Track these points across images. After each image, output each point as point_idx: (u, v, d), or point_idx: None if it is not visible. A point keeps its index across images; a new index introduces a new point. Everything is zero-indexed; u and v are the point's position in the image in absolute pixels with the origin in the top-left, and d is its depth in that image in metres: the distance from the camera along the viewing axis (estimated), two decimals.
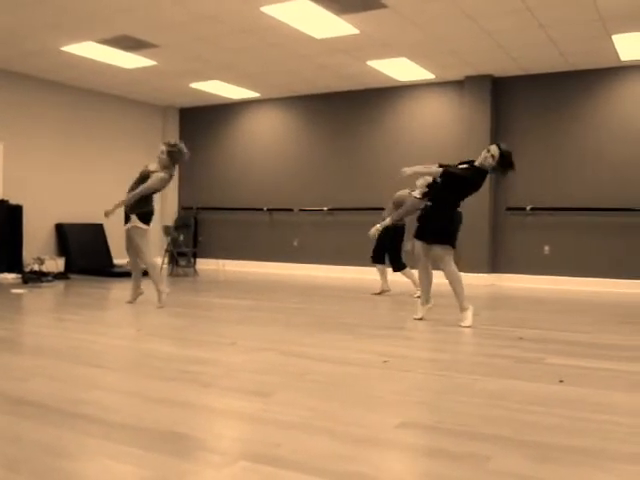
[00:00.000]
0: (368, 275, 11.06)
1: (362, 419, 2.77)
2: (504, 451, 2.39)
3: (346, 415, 2.83)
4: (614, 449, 2.44)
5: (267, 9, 7.50)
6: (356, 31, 8.29)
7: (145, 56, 9.49)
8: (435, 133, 10.89)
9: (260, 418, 2.78)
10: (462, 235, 10.34)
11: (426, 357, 4.20)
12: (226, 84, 11.30)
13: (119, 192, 12.49)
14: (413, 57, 9.50)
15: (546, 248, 9.90)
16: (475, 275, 10.10)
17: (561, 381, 3.53)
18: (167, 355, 4.13)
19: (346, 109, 11.65)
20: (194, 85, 11.41)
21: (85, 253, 11.10)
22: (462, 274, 10.00)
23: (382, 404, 3.02)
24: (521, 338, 4.93)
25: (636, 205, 9.36)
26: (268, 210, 12.19)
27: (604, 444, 2.50)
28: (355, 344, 4.61)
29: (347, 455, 2.32)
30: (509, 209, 10.18)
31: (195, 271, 11.54)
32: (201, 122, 13.22)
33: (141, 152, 12.83)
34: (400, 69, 10.07)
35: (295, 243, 11.94)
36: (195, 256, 12.42)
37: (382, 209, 11.08)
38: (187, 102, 12.96)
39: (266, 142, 12.45)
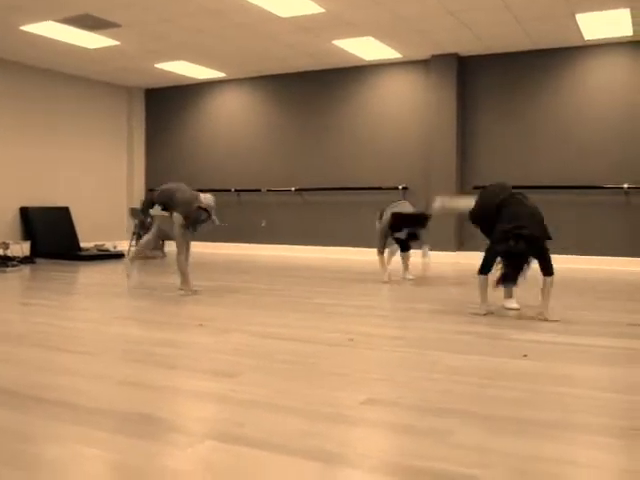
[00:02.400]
0: (336, 255, 11.10)
1: (327, 397, 2.81)
2: (466, 425, 2.45)
3: (311, 393, 2.86)
4: (574, 421, 2.51)
5: None
6: (322, 10, 8.25)
7: (108, 36, 9.34)
8: (402, 112, 10.92)
9: (226, 398, 2.80)
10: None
11: (392, 335, 4.25)
12: (192, 64, 11.19)
13: (85, 175, 12.40)
14: (379, 36, 9.49)
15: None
16: (442, 253, 10.20)
17: (525, 356, 3.61)
18: (134, 338, 4.12)
19: (313, 89, 11.63)
20: (159, 65, 11.27)
21: (51, 237, 10.97)
22: (429, 252, 10.09)
23: (347, 382, 3.06)
24: (486, 314, 5.01)
25: (600, 182, 9.51)
26: (236, 191, 12.15)
27: (565, 416, 2.57)
28: (322, 323, 4.64)
29: (312, 432, 2.36)
30: (476, 188, 10.27)
31: (163, 253, 11.48)
32: (167, 103, 13.08)
33: (107, 134, 12.69)
34: (366, 48, 10.06)
35: (263, 224, 11.93)
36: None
37: (350, 189, 11.16)
38: (153, 83, 12.81)
39: (233, 122, 12.38)
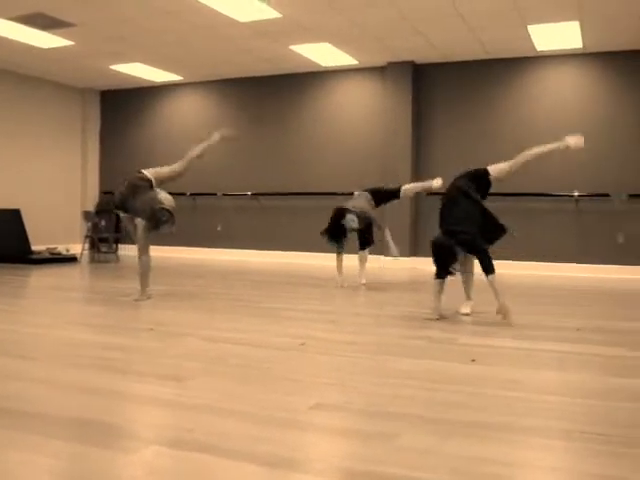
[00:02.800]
0: (292, 260, 11.11)
1: (277, 401, 2.81)
2: (412, 428, 2.48)
3: (261, 398, 2.87)
4: (521, 424, 2.56)
5: None
6: (279, 15, 8.27)
7: (62, 35, 9.20)
8: (358, 118, 11.00)
9: (175, 403, 2.78)
10: (385, 219, 10.55)
11: (343, 340, 4.27)
12: (148, 67, 11.10)
13: (37, 177, 12.17)
14: (336, 42, 9.55)
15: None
16: (397, 258, 10.28)
17: (473, 360, 3.66)
18: (84, 342, 4.07)
19: (270, 93, 11.63)
20: (115, 67, 11.15)
21: (1, 239, 10.75)
22: (384, 258, 10.18)
23: (297, 386, 3.07)
24: (438, 319, 5.07)
25: (550, 190, 9.70)
26: (191, 195, 12.07)
27: (511, 419, 2.61)
28: (275, 328, 4.65)
29: (260, 437, 2.36)
30: (430, 194, 10.38)
31: (117, 257, 11.35)
32: (123, 105, 12.95)
33: (60, 135, 12.49)
34: (323, 54, 10.11)
35: (219, 228, 11.89)
36: (117, 242, 12.22)
37: (306, 194, 11.18)
38: (108, 84, 12.66)
39: (190, 126, 12.31)
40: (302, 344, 4.00)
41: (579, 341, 4.32)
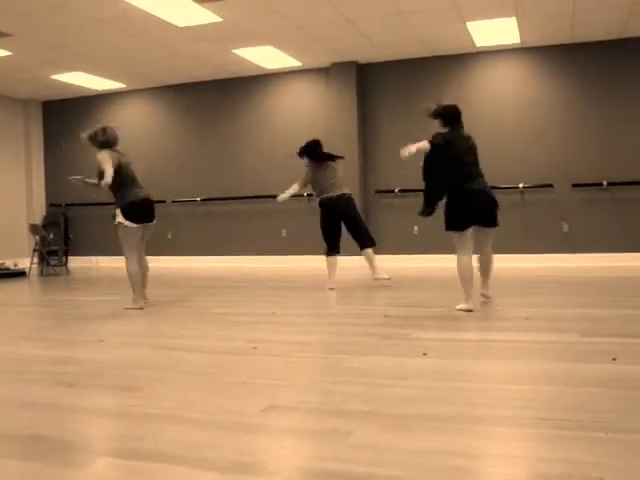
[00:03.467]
0: (243, 264, 11.08)
1: (228, 406, 2.80)
2: (364, 425, 2.49)
3: (213, 403, 2.85)
4: (472, 414, 2.59)
5: None
6: (219, 19, 8.25)
7: None
8: (304, 119, 11.02)
9: (126, 413, 2.75)
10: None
11: (295, 340, 4.28)
12: (90, 75, 10.95)
13: None
14: (278, 45, 9.56)
15: (415, 228, 10.28)
16: (348, 258, 10.33)
17: (425, 354, 3.70)
18: (31, 357, 3.99)
19: (215, 98, 11.58)
20: (55, 77, 10.97)
21: None
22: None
23: (249, 390, 3.07)
24: (387, 316, 5.10)
25: (496, 182, 9.86)
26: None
27: (464, 410, 2.64)
28: (226, 333, 4.63)
29: (211, 442, 2.35)
30: (378, 192, 10.46)
31: (67, 270, 11.16)
32: (66, 115, 12.72)
33: (2, 147, 12.22)
34: (266, 57, 10.11)
35: (169, 235, 11.78)
36: (67, 254, 12.01)
37: (255, 197, 11.14)
38: (50, 95, 12.43)
39: (135, 134, 12.16)
40: (254, 347, 3.99)
41: (528, 329, 4.41)
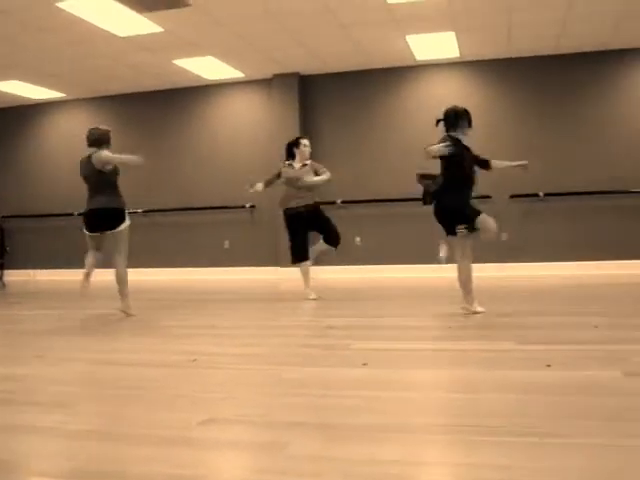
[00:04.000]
0: (185, 276, 10.96)
1: (166, 420, 2.76)
2: (302, 436, 2.48)
3: (149, 418, 2.80)
4: (409, 422, 2.61)
5: (63, 5, 7.24)
6: (160, 29, 8.19)
7: None
8: (246, 130, 11.01)
9: (59, 431, 2.68)
10: (278, 231, 10.56)
11: (235, 353, 4.25)
12: (27, 84, 10.72)
13: None
14: (220, 56, 9.54)
15: (357, 239, 10.34)
16: (291, 269, 10.33)
17: (365, 364, 3.71)
18: None
19: (158, 109, 11.47)
20: None
21: None
22: (277, 268, 10.23)
23: (187, 403, 3.03)
24: (330, 327, 5.12)
25: None
26: (79, 215, 11.68)
27: (401, 419, 2.66)
28: (166, 346, 4.56)
29: (148, 457, 2.30)
30: (320, 203, 10.48)
31: (3, 283, 10.86)
32: (2, 125, 12.42)
33: None
34: (208, 68, 10.08)
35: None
36: (2, 267, 11.67)
37: (197, 209, 11.05)
38: None
39: (75, 144, 11.91)
40: (194, 360, 3.95)
41: (466, 338, 4.47)
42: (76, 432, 2.65)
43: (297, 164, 7.30)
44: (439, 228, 5.58)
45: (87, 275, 6.22)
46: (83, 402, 3.11)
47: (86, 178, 6.16)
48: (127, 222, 6.09)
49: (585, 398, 2.86)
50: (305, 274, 7.09)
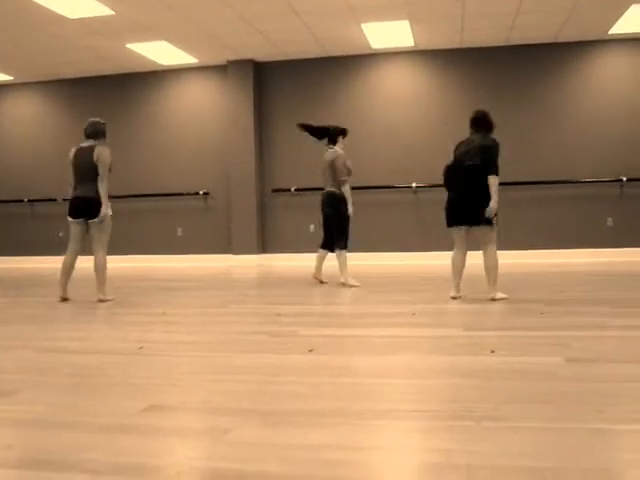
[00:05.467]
0: (136, 263, 10.86)
1: (108, 407, 2.73)
2: (243, 422, 2.49)
3: (92, 405, 2.77)
4: (351, 408, 2.63)
5: None
6: (111, 12, 8.06)
7: None
8: (201, 117, 10.91)
9: None
10: (231, 218, 10.53)
11: (182, 340, 4.23)
12: None
13: None
14: (173, 41, 9.42)
15: (311, 227, 10.35)
16: (244, 257, 10.31)
17: (311, 350, 3.73)
18: None
19: (110, 93, 11.30)
20: None
21: None
22: (230, 256, 10.21)
23: (131, 391, 3.00)
24: (279, 314, 5.12)
25: (391, 182, 10.07)
26: (29, 201, 11.48)
27: (342, 404, 2.68)
28: (114, 333, 4.52)
29: (87, 445, 2.28)
30: (275, 190, 10.48)
31: None
32: None
33: None
34: (161, 53, 9.94)
35: (60, 234, 11.39)
36: None
37: (151, 195, 10.93)
38: None
39: (25, 129, 11.70)
40: (140, 348, 3.92)
41: (414, 325, 4.52)
42: (17, 420, 2.61)
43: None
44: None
45: (65, 282, 6.31)
46: (22, 390, 3.06)
47: (78, 167, 6.23)
48: (109, 212, 6.24)
49: (525, 383, 2.92)
50: (341, 264, 6.95)
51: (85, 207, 6.19)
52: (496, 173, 5.53)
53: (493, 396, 2.73)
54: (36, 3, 7.59)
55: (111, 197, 11.11)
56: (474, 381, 2.99)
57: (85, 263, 10.66)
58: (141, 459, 2.17)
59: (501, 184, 9.68)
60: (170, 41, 9.42)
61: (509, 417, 2.43)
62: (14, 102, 11.78)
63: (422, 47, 9.97)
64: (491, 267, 5.60)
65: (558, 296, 5.90)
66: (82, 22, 8.41)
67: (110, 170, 6.29)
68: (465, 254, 5.81)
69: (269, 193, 10.55)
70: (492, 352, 3.53)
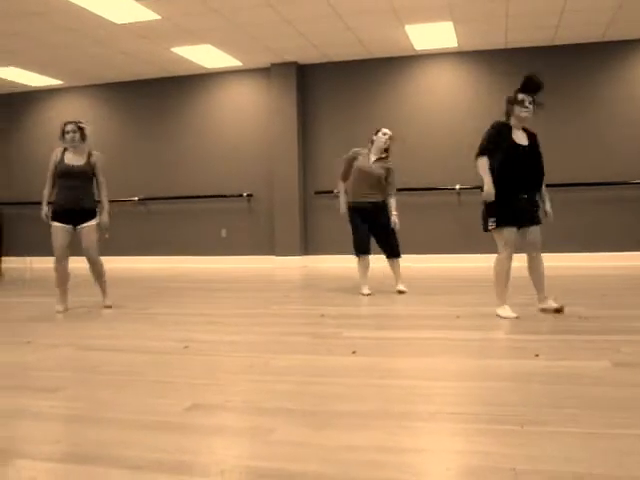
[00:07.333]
0: (181, 264, 10.97)
1: (151, 405, 2.77)
2: (287, 422, 2.49)
3: (137, 403, 2.81)
4: (392, 410, 2.62)
5: None
6: (158, 16, 8.16)
7: None
8: (245, 119, 10.98)
9: (44, 415, 2.69)
10: (274, 220, 10.56)
11: (227, 340, 4.25)
12: (24, 71, 10.67)
13: None
14: (218, 44, 9.50)
15: None
16: (287, 258, 10.35)
17: (354, 352, 3.72)
18: None
19: (156, 97, 11.43)
20: None
21: None
22: (274, 257, 10.23)
23: (174, 389, 3.03)
24: (323, 315, 5.12)
25: (435, 184, 10.00)
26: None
27: (385, 406, 2.67)
28: (158, 333, 4.57)
29: (131, 442, 2.32)
30: (317, 193, 10.49)
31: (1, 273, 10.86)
32: (1, 111, 12.39)
33: None
34: (206, 56, 10.03)
35: (107, 235, 11.53)
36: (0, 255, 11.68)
37: (194, 197, 11.04)
38: None
39: None
40: (186, 347, 3.96)
41: (459, 328, 4.48)
42: (63, 416, 2.66)
43: (373, 155, 6.56)
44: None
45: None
46: (69, 387, 3.12)
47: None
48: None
49: (571, 387, 2.87)
50: (363, 268, 6.59)
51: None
52: (478, 154, 4.95)
53: (538, 400, 2.69)
54: (84, 8, 7.72)
55: (156, 199, 11.32)
56: (518, 385, 2.95)
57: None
58: (183, 456, 2.19)
59: (555, 185, 9.54)
60: (215, 44, 9.49)
61: (553, 422, 2.39)
62: (63, 106, 11.99)
63: (466, 48, 9.87)
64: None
65: (600, 300, 5.78)
66: (129, 27, 8.53)
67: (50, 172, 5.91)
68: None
69: (312, 195, 10.56)
70: (536, 356, 3.47)
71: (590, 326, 4.40)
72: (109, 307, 5.96)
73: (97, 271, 6.04)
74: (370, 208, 6.49)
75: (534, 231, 4.88)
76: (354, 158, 6.59)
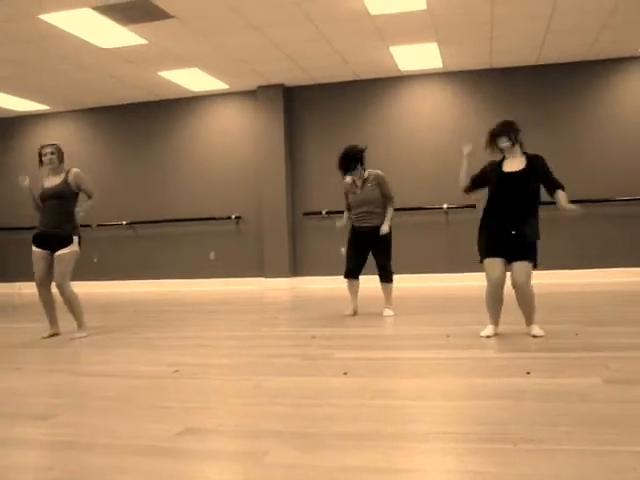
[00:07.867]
0: (171, 288, 10.94)
1: (144, 431, 2.76)
2: (280, 445, 2.49)
3: (128, 428, 2.80)
4: (385, 430, 2.62)
5: (46, 17, 7.22)
6: (144, 41, 8.20)
7: None
8: (232, 142, 11.03)
9: (37, 442, 2.68)
10: (263, 242, 10.56)
11: (217, 363, 4.25)
12: (9, 96, 10.67)
13: None
14: (204, 67, 9.56)
15: (342, 250, 10.33)
16: (276, 280, 10.35)
17: (345, 373, 3.72)
18: None
19: (142, 120, 11.46)
20: None
21: None
22: (262, 279, 10.22)
23: (166, 413, 3.03)
24: (314, 337, 5.12)
25: (421, 204, 10.05)
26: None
27: (376, 427, 2.67)
28: (149, 357, 4.56)
29: (123, 467, 2.31)
30: (306, 214, 10.53)
31: None
32: None
33: None
34: (193, 79, 10.09)
35: (95, 259, 11.52)
36: None
37: (183, 220, 11.04)
38: None
39: None
40: (175, 371, 3.95)
41: (448, 347, 4.49)
42: (56, 443, 2.65)
43: (358, 180, 6.62)
44: None
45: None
46: (61, 413, 3.11)
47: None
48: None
49: (562, 405, 2.89)
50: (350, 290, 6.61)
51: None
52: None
53: (529, 418, 2.70)
54: (70, 33, 7.75)
55: (144, 222, 11.31)
56: (510, 403, 2.96)
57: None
58: None
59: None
60: (201, 68, 9.55)
61: (546, 440, 2.40)
62: (49, 131, 11.99)
63: (451, 68, 9.98)
64: None
65: (593, 317, 5.82)
66: (115, 52, 8.57)
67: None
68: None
69: (300, 216, 10.60)
70: (528, 374, 3.49)
71: (579, 343, 4.43)
72: (82, 337, 5.60)
73: (65, 301, 5.76)
74: (367, 232, 6.54)
75: (517, 268, 4.67)
76: (346, 190, 6.76)
